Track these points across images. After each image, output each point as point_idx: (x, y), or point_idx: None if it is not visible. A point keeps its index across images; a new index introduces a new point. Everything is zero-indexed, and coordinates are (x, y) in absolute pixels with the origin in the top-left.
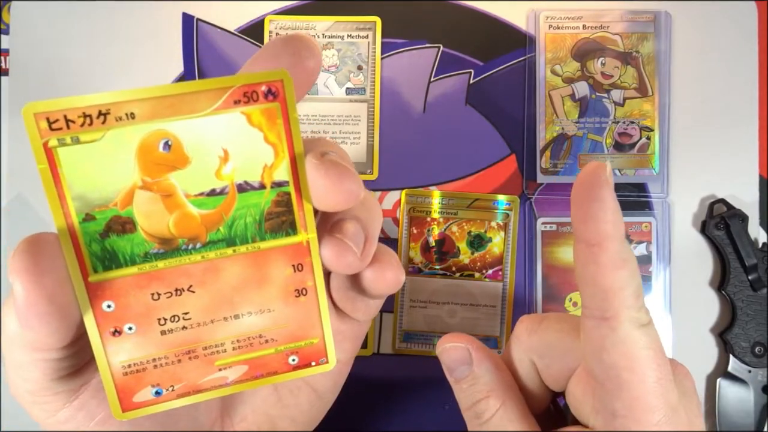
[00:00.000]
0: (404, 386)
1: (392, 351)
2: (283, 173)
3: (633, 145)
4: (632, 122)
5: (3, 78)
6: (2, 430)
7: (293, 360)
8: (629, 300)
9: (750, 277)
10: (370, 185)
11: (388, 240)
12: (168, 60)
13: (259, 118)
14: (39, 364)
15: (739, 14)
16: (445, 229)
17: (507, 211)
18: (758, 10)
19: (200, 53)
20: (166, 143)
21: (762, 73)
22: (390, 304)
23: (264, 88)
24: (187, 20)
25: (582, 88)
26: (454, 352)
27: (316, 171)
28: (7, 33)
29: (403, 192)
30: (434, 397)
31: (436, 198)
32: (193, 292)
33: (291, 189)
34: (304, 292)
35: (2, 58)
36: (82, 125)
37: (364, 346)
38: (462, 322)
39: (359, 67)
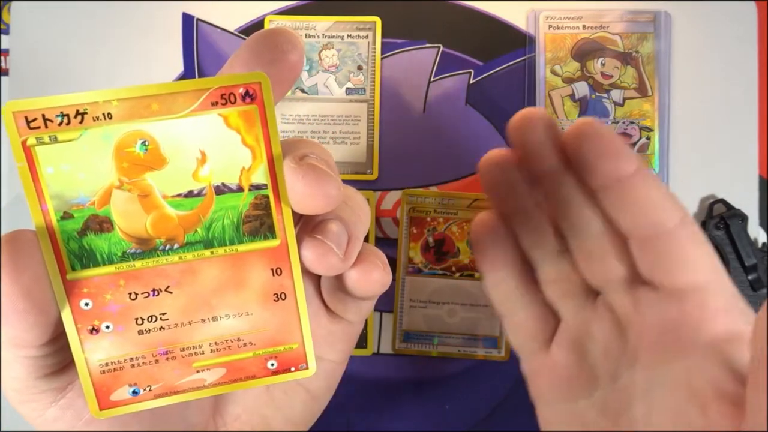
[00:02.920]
0: (404, 386)
1: (392, 351)
2: (260, 176)
3: (633, 146)
4: (632, 122)
5: (3, 78)
6: (2, 430)
7: (272, 365)
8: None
9: (750, 277)
10: (370, 185)
11: (388, 240)
12: (168, 60)
13: (236, 121)
14: (22, 361)
15: (739, 14)
16: (445, 229)
17: None
18: (758, 10)
19: (200, 53)
20: (143, 143)
21: (762, 73)
22: (390, 304)
23: (242, 90)
24: (187, 20)
25: (582, 88)
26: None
27: (294, 174)
28: (7, 33)
29: (403, 192)
30: (434, 397)
31: (436, 198)
32: (171, 292)
33: (269, 192)
34: (283, 296)
35: (2, 58)
36: (60, 124)
37: (364, 346)
38: (462, 322)
39: (359, 67)
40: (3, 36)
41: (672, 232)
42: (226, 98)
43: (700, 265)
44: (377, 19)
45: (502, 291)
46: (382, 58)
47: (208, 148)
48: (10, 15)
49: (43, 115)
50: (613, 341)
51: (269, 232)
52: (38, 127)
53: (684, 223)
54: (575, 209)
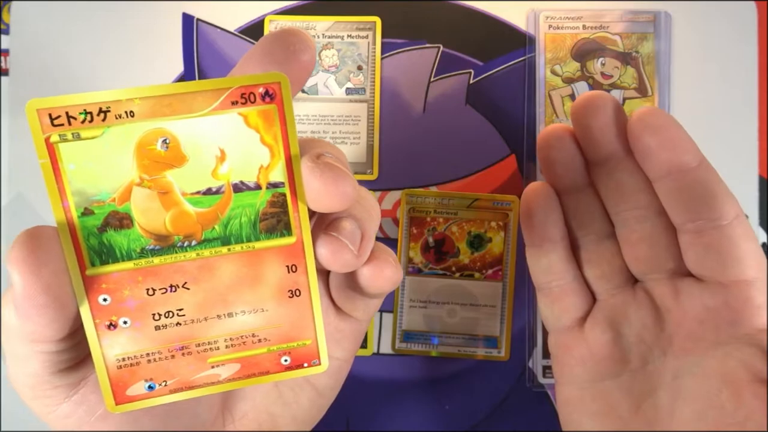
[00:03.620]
0: (404, 386)
1: (392, 351)
2: (278, 174)
3: None
4: None
5: (3, 78)
6: (2, 430)
7: (285, 360)
8: None
9: None
10: (370, 185)
11: (387, 240)
12: (168, 60)
13: (255, 120)
14: (38, 356)
15: (739, 14)
16: (445, 229)
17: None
18: (758, 10)
19: (200, 53)
20: (164, 141)
21: (762, 73)
22: (390, 304)
23: (261, 90)
24: (187, 20)
25: (582, 88)
26: None
27: (311, 173)
28: (7, 33)
29: (403, 192)
30: (434, 397)
31: (436, 198)
32: (188, 289)
33: (286, 190)
34: (297, 293)
35: (2, 58)
36: (83, 122)
37: (364, 345)
38: (462, 322)
39: (359, 67)
40: (3, 36)
41: (727, 227)
42: (245, 98)
43: (751, 262)
44: (377, 19)
45: (545, 263)
46: (382, 58)
47: (228, 147)
48: (10, 15)
49: (67, 113)
50: (649, 327)
51: (285, 229)
52: (62, 125)
53: (739, 219)
54: (630, 196)
